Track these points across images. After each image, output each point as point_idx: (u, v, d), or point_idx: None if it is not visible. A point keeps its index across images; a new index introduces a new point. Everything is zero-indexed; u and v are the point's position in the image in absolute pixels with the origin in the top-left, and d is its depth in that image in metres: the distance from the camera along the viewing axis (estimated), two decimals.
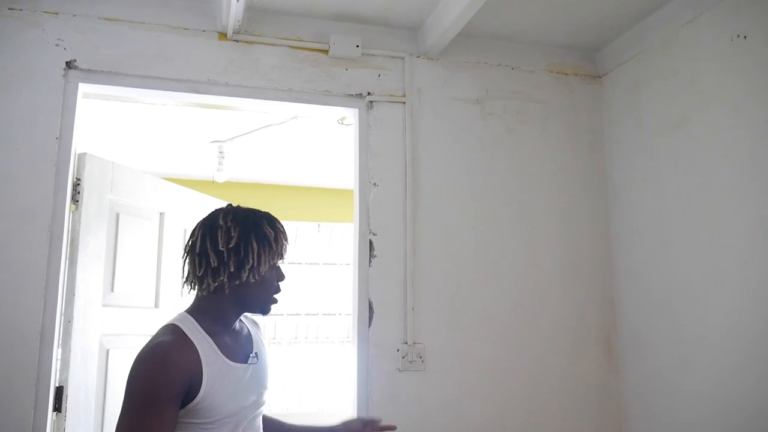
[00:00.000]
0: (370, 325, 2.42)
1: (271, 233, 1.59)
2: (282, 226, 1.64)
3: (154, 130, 3.92)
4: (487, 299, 2.58)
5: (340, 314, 6.25)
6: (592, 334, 2.68)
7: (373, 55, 2.61)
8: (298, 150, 4.41)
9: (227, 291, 1.55)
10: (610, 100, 2.85)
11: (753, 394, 2.06)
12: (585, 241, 2.75)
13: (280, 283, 1.63)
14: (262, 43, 2.49)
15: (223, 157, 4.17)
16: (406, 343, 2.43)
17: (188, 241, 1.61)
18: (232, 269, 1.53)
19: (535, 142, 2.77)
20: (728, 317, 2.17)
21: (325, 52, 2.56)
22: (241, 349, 1.61)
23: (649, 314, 2.53)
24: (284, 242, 1.62)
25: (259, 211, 1.64)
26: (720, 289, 2.20)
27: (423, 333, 2.46)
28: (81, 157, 2.39)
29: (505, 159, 2.71)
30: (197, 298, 1.59)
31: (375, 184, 2.53)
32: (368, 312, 2.43)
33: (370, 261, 2.47)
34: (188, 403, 1.44)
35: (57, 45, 2.29)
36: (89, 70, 2.31)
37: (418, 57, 2.67)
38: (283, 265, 1.64)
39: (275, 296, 1.62)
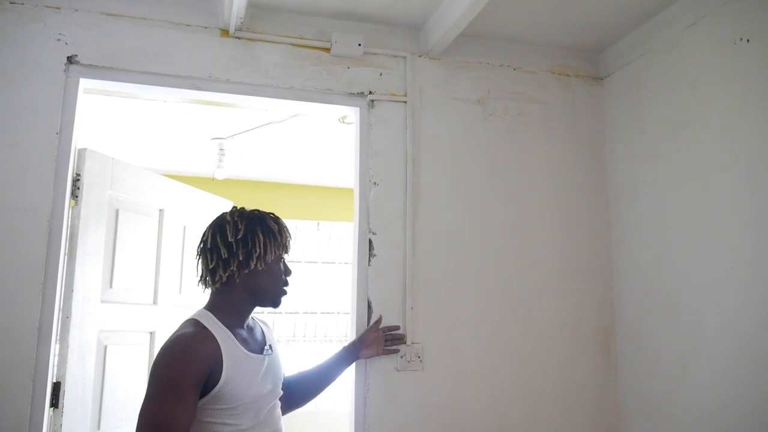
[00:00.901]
0: (368, 324, 2.42)
1: (275, 227, 1.74)
2: (285, 224, 1.80)
3: (154, 127, 3.91)
4: (487, 300, 2.57)
5: (338, 313, 6.25)
6: (591, 335, 2.68)
7: (375, 53, 2.61)
8: (298, 148, 4.41)
9: (238, 281, 1.69)
10: (611, 102, 2.84)
11: (751, 395, 2.05)
12: (584, 242, 2.75)
13: (287, 277, 1.78)
14: (263, 41, 2.49)
15: (223, 155, 4.17)
16: (405, 343, 2.43)
17: (200, 243, 1.77)
18: (240, 258, 1.68)
19: (536, 143, 2.77)
20: (727, 319, 2.16)
21: (327, 50, 2.55)
22: (256, 342, 1.76)
23: (648, 316, 2.53)
24: (288, 236, 1.78)
25: (263, 211, 1.79)
26: (719, 291, 2.20)
27: (422, 333, 2.46)
28: (81, 153, 2.39)
29: (506, 160, 2.71)
30: (212, 294, 1.74)
31: (375, 183, 2.53)
32: (367, 311, 2.43)
33: (369, 260, 2.47)
34: (211, 390, 1.56)
35: (58, 40, 2.28)
36: (90, 65, 2.30)
37: (420, 56, 2.67)
38: (288, 261, 1.78)
39: (284, 288, 1.77)
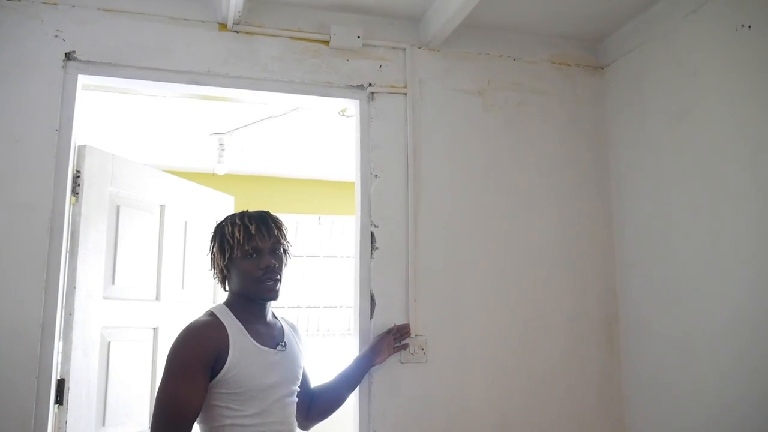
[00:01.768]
0: (372, 317, 2.41)
1: (229, 230, 1.84)
2: (244, 221, 1.84)
3: (154, 123, 3.90)
4: (489, 291, 2.57)
5: (341, 307, 6.24)
6: (594, 325, 2.68)
7: (375, 46, 2.60)
8: (298, 142, 4.40)
9: (228, 286, 1.88)
10: (612, 91, 2.83)
11: (755, 385, 2.05)
12: (587, 232, 2.74)
13: (262, 269, 1.81)
14: (262, 34, 2.48)
15: (223, 150, 4.16)
16: (410, 335, 2.42)
17: None
18: (216, 271, 1.90)
19: (537, 133, 2.76)
20: (731, 308, 2.16)
21: (326, 43, 2.54)
22: (271, 338, 1.85)
23: (651, 305, 2.53)
24: (238, 237, 1.82)
25: (238, 213, 1.89)
26: (723, 280, 2.19)
27: (425, 325, 2.46)
28: (81, 149, 2.38)
29: (507, 150, 2.70)
30: (228, 293, 1.91)
31: (376, 175, 2.52)
32: (370, 304, 2.43)
33: (371, 253, 2.46)
34: (218, 374, 1.69)
35: (56, 36, 2.27)
36: (88, 61, 2.29)
37: (419, 48, 2.65)
38: (263, 256, 1.82)
39: (260, 283, 1.82)
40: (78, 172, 2.35)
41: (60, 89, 2.24)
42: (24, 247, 2.13)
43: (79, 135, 2.35)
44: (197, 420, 1.71)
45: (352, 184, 2.61)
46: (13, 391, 2.05)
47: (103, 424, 2.42)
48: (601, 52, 2.88)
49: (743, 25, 2.15)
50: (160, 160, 4.63)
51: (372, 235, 2.48)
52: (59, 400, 2.20)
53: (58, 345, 2.19)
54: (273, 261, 1.83)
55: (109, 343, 2.48)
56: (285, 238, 1.90)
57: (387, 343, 2.31)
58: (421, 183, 2.56)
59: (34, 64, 2.23)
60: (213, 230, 1.92)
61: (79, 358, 2.29)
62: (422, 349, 2.43)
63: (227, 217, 1.92)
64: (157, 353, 2.73)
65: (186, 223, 3.02)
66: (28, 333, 2.09)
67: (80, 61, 2.28)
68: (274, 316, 1.96)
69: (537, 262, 2.65)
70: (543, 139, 2.76)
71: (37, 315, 2.11)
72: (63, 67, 2.26)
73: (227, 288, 1.90)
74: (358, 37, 2.53)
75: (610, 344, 2.68)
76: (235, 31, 2.45)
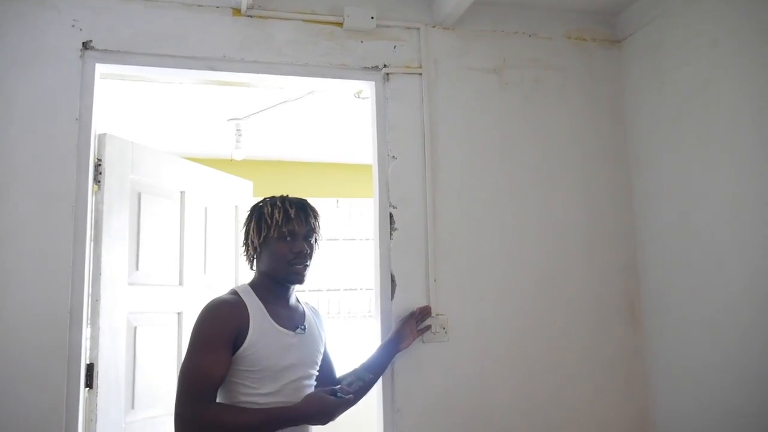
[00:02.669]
0: (392, 298, 2.43)
1: (267, 210, 1.88)
2: (284, 205, 1.90)
3: (171, 110, 3.93)
4: (509, 269, 2.57)
5: (361, 289, 6.27)
6: (616, 300, 2.67)
7: (388, 26, 2.59)
8: (315, 126, 4.40)
9: (256, 266, 1.93)
10: (629, 65, 2.80)
11: None
12: (606, 207, 2.72)
13: (294, 252, 1.87)
14: (276, 18, 2.48)
15: (240, 135, 4.18)
16: (431, 315, 2.44)
17: None
18: (248, 246, 1.93)
19: (554, 110, 2.74)
20: (754, 280, 2.14)
21: (340, 24, 2.53)
22: (291, 321, 1.89)
23: (672, 279, 2.51)
24: (277, 218, 1.87)
25: (279, 196, 1.95)
26: (744, 252, 2.18)
27: (446, 304, 2.47)
28: (101, 138, 2.41)
29: (524, 128, 2.69)
30: (254, 274, 1.96)
31: (393, 156, 2.52)
32: (390, 284, 2.44)
33: (391, 234, 2.47)
34: (237, 350, 1.75)
35: (73, 26, 2.29)
36: (105, 50, 2.31)
37: (433, 27, 2.64)
38: (297, 240, 1.86)
39: (289, 266, 1.88)
40: (99, 160, 2.39)
41: (79, 78, 2.27)
42: (50, 236, 2.17)
43: (99, 124, 2.38)
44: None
45: (370, 166, 2.61)
46: (46, 376, 2.11)
47: (132, 407, 2.47)
48: (617, 26, 2.84)
49: None
50: (179, 147, 4.67)
51: (391, 216, 2.48)
52: (89, 384, 2.26)
53: (86, 331, 2.23)
54: (306, 246, 1.89)
55: (135, 328, 2.52)
56: (319, 227, 1.95)
57: (410, 327, 2.33)
58: (438, 162, 2.56)
59: (53, 54, 2.26)
60: (250, 209, 1.95)
61: (107, 343, 2.34)
62: (443, 329, 2.45)
63: (267, 198, 1.95)
64: (181, 337, 2.78)
65: (206, 208, 3.06)
66: (57, 320, 2.14)
67: (97, 50, 2.30)
68: (297, 300, 1.99)
69: (556, 240, 2.64)
70: (560, 116, 2.74)
71: (65, 302, 2.16)
72: (81, 57, 2.28)
73: (254, 267, 1.94)
74: (372, 17, 2.53)
75: (633, 320, 2.68)
76: (248, 16, 2.45)
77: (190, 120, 4.17)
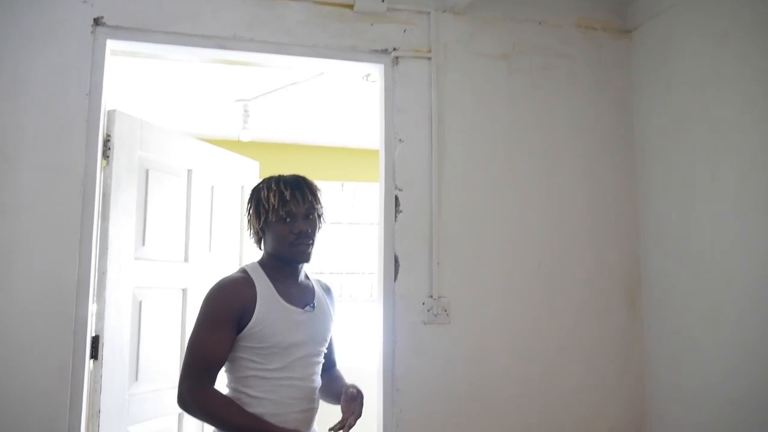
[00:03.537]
0: (395, 279, 2.46)
1: (264, 195, 1.87)
2: (279, 187, 1.86)
3: (180, 89, 3.94)
4: (512, 254, 2.60)
5: (363, 273, 6.31)
6: (617, 290, 2.70)
7: (399, 9, 2.59)
8: (322, 109, 4.41)
9: (262, 247, 1.93)
10: (639, 56, 2.80)
11: None
12: (610, 197, 2.74)
13: (295, 234, 1.84)
14: None
15: (248, 116, 4.19)
16: (431, 296, 2.47)
17: None
18: (252, 230, 1.93)
19: (562, 98, 2.74)
20: (755, 275, 2.16)
21: (351, 7, 2.54)
22: (301, 298, 1.90)
23: (674, 271, 2.53)
24: (273, 202, 1.85)
25: (274, 177, 1.92)
26: (747, 245, 2.19)
27: (448, 287, 2.50)
28: (110, 114, 2.43)
29: (531, 115, 2.70)
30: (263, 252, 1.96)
31: (400, 140, 2.54)
32: (394, 266, 2.47)
33: (395, 216, 2.50)
34: (244, 328, 1.77)
35: (84, 2, 2.30)
36: (117, 26, 2.32)
37: (444, 12, 2.64)
38: (297, 221, 1.84)
39: (292, 247, 1.86)
40: (108, 136, 2.40)
41: (89, 54, 2.29)
42: (59, 209, 2.20)
43: (109, 100, 2.40)
44: (224, 369, 1.82)
45: (376, 151, 2.63)
46: (52, 347, 2.14)
47: (136, 379, 2.51)
48: (628, 16, 2.84)
49: None
50: (187, 126, 4.68)
51: (396, 198, 2.50)
52: (94, 355, 2.29)
53: (92, 303, 2.26)
54: (306, 226, 1.86)
55: (140, 303, 2.56)
56: (319, 203, 1.91)
57: (349, 406, 1.81)
58: (445, 147, 2.57)
59: (64, 30, 2.27)
60: (250, 193, 1.95)
61: (112, 316, 2.38)
62: (445, 311, 2.47)
63: (263, 180, 1.93)
64: (186, 313, 2.81)
65: (212, 187, 3.08)
66: (64, 292, 2.18)
67: (108, 26, 2.32)
68: (307, 277, 1.99)
69: (560, 227, 2.66)
70: (568, 104, 2.74)
71: (73, 274, 2.19)
72: (92, 33, 2.29)
73: (262, 248, 1.95)
74: (383, 1, 2.53)
75: (632, 310, 2.70)
76: None
77: (198, 99, 4.18)
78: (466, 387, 2.48)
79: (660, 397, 2.59)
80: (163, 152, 2.73)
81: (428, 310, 2.45)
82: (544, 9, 2.76)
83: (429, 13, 2.61)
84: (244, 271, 1.88)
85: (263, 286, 1.83)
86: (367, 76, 3.34)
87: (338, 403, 1.87)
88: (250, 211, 1.92)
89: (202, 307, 1.79)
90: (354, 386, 1.85)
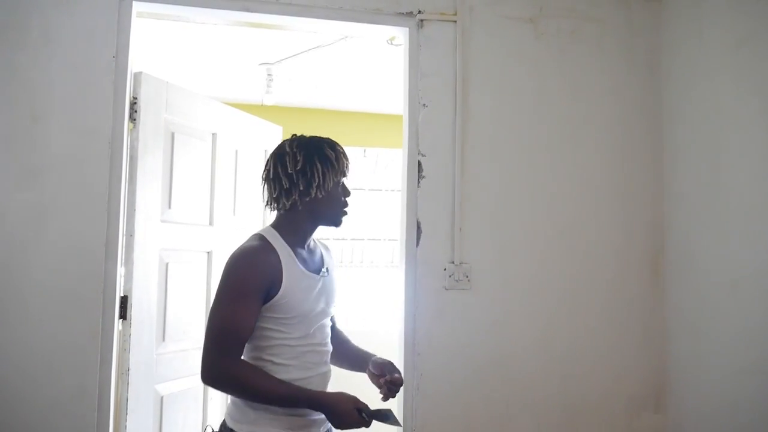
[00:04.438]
0: (417, 245, 2.47)
1: (332, 154, 1.80)
2: (342, 148, 1.85)
3: (204, 52, 3.94)
4: (535, 221, 2.59)
5: (385, 239, 6.34)
6: (639, 256, 2.68)
7: None
8: (346, 73, 4.38)
9: (300, 207, 1.80)
10: (669, 18, 2.73)
11: None
12: (636, 163, 2.71)
13: (346, 198, 1.85)
14: None
15: (271, 80, 4.18)
16: (453, 262, 2.48)
17: (263, 171, 1.86)
18: (301, 188, 1.78)
19: (590, 63, 2.70)
20: None
21: None
22: (314, 263, 1.87)
23: (698, 238, 2.51)
24: (345, 161, 1.83)
25: (320, 138, 1.85)
26: None
27: (469, 253, 2.50)
28: (137, 77, 2.44)
29: (558, 80, 2.66)
30: (278, 216, 1.85)
31: (424, 105, 2.52)
32: (416, 232, 2.48)
33: (418, 182, 2.49)
34: (270, 300, 1.70)
35: None
36: None
37: None
38: (348, 182, 1.84)
39: (344, 210, 1.86)
40: (135, 98, 2.42)
41: (116, 16, 2.30)
42: (87, 171, 2.24)
43: (135, 63, 2.41)
44: None
45: (399, 116, 2.62)
46: (82, 307, 2.20)
47: (163, 339, 2.57)
48: None
49: None
50: (211, 89, 4.68)
51: (419, 164, 2.50)
52: (123, 315, 2.35)
53: (120, 265, 2.31)
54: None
55: (167, 264, 2.60)
56: None
57: (377, 380, 1.90)
58: (469, 112, 2.55)
59: None
60: (307, 149, 1.79)
61: (140, 277, 2.42)
62: (466, 277, 2.49)
63: (315, 140, 1.83)
64: (210, 276, 2.85)
65: (236, 151, 3.09)
66: (93, 253, 2.23)
67: None
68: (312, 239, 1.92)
69: (584, 193, 2.64)
70: (595, 69, 2.70)
71: (101, 236, 2.23)
72: None
73: (288, 208, 1.79)
74: None
75: (655, 276, 2.69)
76: None
77: (222, 63, 4.18)
78: (486, 352, 2.50)
79: (681, 365, 2.59)
80: (188, 115, 2.74)
81: (450, 276, 2.47)
82: None
83: None
84: (262, 237, 1.78)
85: (285, 254, 1.75)
86: (392, 39, 3.30)
87: (351, 369, 1.97)
88: (318, 167, 1.76)
89: (225, 277, 1.70)
90: (397, 371, 1.85)
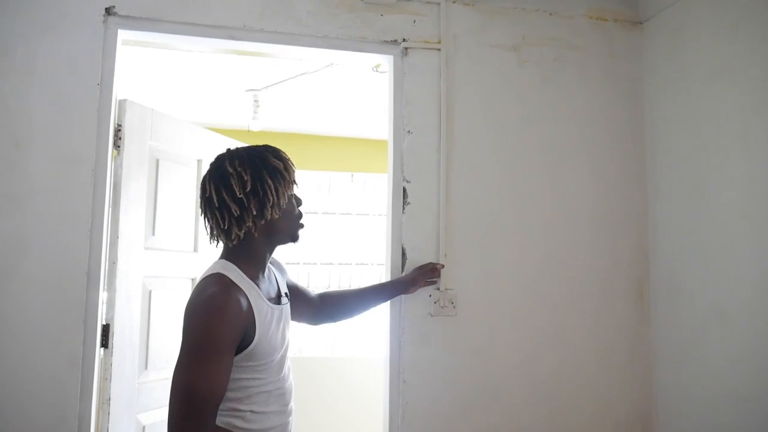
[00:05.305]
0: (402, 271, 2.46)
1: (279, 164, 1.61)
2: (285, 153, 1.67)
3: (190, 79, 3.96)
4: (520, 247, 2.59)
5: (371, 264, 6.33)
6: (624, 283, 2.69)
7: (409, 0, 2.58)
8: (332, 99, 4.42)
9: (256, 234, 1.61)
10: (650, 47, 2.78)
11: None
12: (620, 190, 2.73)
13: (299, 208, 1.70)
14: None
15: (258, 106, 4.20)
16: (438, 288, 2.47)
17: (202, 197, 1.63)
18: (254, 212, 1.58)
19: (572, 89, 2.73)
20: (764, 268, 2.15)
21: None
22: (273, 290, 1.71)
23: (683, 264, 2.52)
24: (293, 169, 1.66)
25: (261, 148, 1.66)
26: (757, 241, 2.18)
27: (455, 279, 2.50)
28: (121, 104, 2.44)
29: (541, 107, 2.69)
30: (229, 246, 1.64)
31: (409, 131, 2.54)
32: (401, 258, 2.47)
33: (403, 208, 2.50)
34: (245, 348, 1.52)
35: None
36: (128, 16, 2.33)
37: (454, 2, 2.63)
38: (297, 190, 1.68)
39: (300, 222, 1.70)
40: (119, 125, 2.42)
41: (101, 44, 2.30)
42: (70, 198, 2.22)
43: (120, 90, 2.41)
44: None
45: (385, 141, 2.63)
46: (63, 335, 2.17)
47: (146, 368, 2.53)
48: (639, 7, 2.82)
49: None
50: (197, 116, 4.70)
51: (404, 190, 2.51)
52: (105, 343, 2.32)
53: (102, 292, 2.29)
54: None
55: (150, 292, 2.57)
56: None
57: (424, 275, 2.36)
58: (453, 139, 2.57)
59: (76, 19, 2.28)
60: (252, 165, 1.59)
61: (122, 305, 2.40)
62: (452, 303, 2.48)
63: (257, 151, 1.62)
64: None
65: None
66: (75, 280, 2.20)
67: (120, 15, 2.32)
68: None
69: (569, 220, 2.66)
70: (578, 96, 2.73)
71: (83, 263, 2.21)
72: (104, 22, 2.30)
73: (242, 236, 1.60)
74: None
75: (640, 302, 2.69)
76: None
77: (208, 89, 4.20)
78: (472, 379, 2.49)
79: (667, 391, 2.59)
80: (173, 142, 2.74)
81: (435, 302, 2.46)
82: (554, 0, 2.74)
83: (439, 3, 2.60)
84: (224, 278, 1.56)
85: (252, 293, 1.57)
86: (377, 66, 3.34)
87: (387, 300, 2.28)
88: (265, 183, 1.56)
89: (191, 332, 1.48)
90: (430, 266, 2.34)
